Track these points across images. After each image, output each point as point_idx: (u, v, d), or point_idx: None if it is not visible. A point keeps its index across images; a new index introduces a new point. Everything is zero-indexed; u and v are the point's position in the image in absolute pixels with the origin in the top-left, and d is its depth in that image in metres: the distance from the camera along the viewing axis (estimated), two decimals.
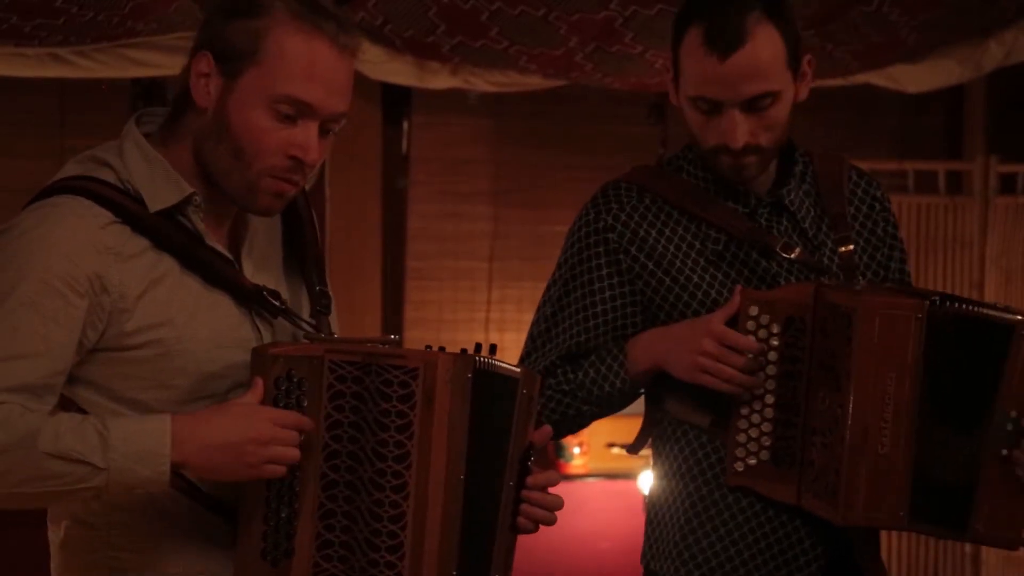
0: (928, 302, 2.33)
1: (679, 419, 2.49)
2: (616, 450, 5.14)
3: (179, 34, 4.34)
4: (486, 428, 2.02)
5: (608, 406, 2.50)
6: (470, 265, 5.41)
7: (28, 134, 4.98)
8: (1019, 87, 5.41)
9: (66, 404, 1.99)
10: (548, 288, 2.57)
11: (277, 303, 2.05)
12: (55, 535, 2.07)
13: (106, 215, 1.96)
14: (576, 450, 5.20)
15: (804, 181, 2.53)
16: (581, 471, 5.15)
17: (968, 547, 4.97)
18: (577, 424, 2.54)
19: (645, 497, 4.84)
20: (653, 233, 2.48)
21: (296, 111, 1.97)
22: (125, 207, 1.97)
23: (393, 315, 5.34)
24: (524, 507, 2.08)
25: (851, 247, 2.49)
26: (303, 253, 2.16)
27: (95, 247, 1.94)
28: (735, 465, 2.42)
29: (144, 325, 1.96)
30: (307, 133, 1.98)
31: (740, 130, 2.36)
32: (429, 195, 5.38)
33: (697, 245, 2.47)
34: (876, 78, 5.02)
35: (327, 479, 1.96)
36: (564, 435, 2.61)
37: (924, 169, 5.31)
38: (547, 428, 2.12)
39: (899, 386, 2.32)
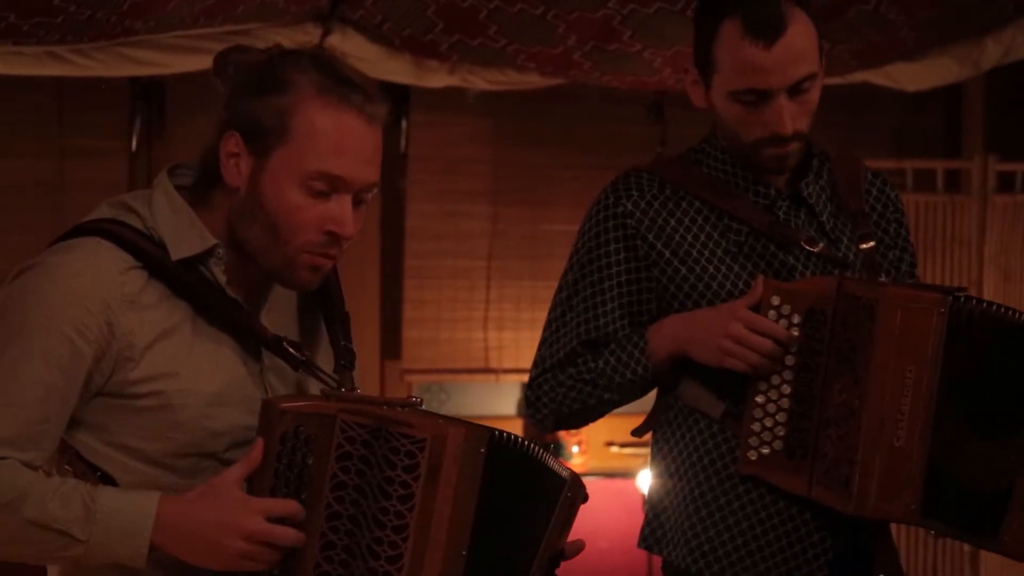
0: (951, 298, 2.33)
1: (691, 407, 2.49)
2: (615, 449, 5.14)
3: (177, 33, 4.34)
4: (506, 506, 1.98)
5: (629, 394, 2.51)
6: (468, 264, 5.41)
7: (26, 133, 4.98)
8: (1017, 85, 5.42)
9: (63, 446, 1.98)
10: (564, 273, 2.57)
11: (298, 354, 2.03)
12: (51, 571, 2.06)
13: (127, 259, 1.95)
14: (575, 449, 5.20)
15: (821, 176, 2.54)
16: (580, 470, 5.15)
17: (967, 546, 4.97)
18: (597, 412, 2.55)
19: (645, 495, 4.85)
20: (672, 222, 2.49)
21: (329, 186, 1.96)
22: (146, 252, 1.96)
23: (392, 314, 5.34)
24: None
25: (872, 243, 2.50)
26: (328, 309, 2.14)
27: (111, 294, 1.93)
28: (748, 454, 2.43)
29: (148, 376, 1.95)
30: (342, 207, 1.98)
31: (788, 116, 2.38)
32: (427, 194, 5.37)
33: (716, 236, 2.48)
34: (874, 77, 5.02)
35: (326, 539, 1.93)
36: (583, 424, 2.61)
37: (922, 167, 5.31)
38: (581, 543, 2.10)
39: (918, 379, 2.32)
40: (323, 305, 2.14)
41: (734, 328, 2.36)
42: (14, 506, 1.87)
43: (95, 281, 1.93)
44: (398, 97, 5.23)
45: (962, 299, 2.35)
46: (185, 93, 4.96)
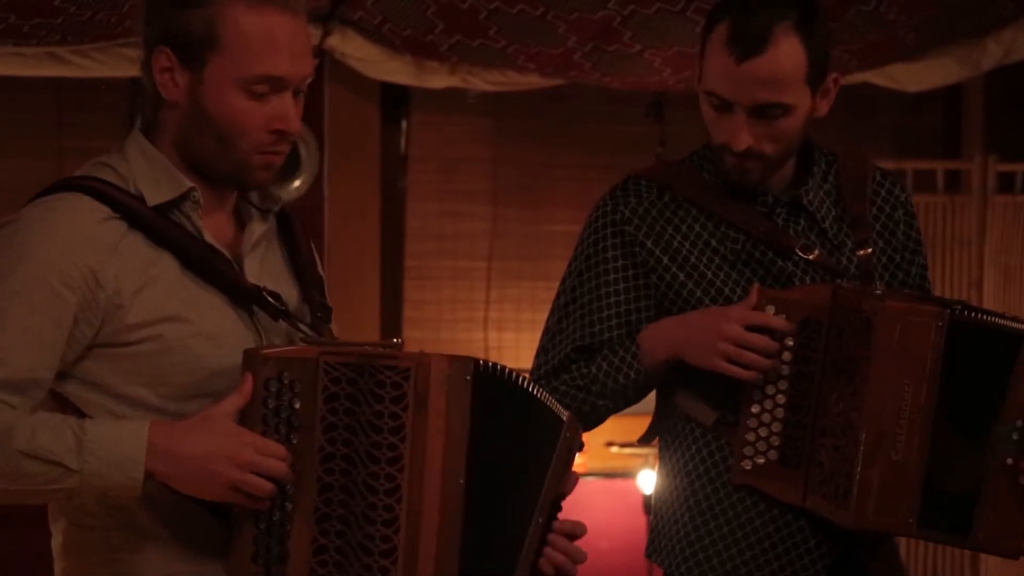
0: (949, 311, 2.33)
1: (686, 415, 2.48)
2: (615, 449, 5.13)
3: None
4: (501, 436, 1.99)
5: (623, 400, 2.49)
6: (469, 264, 5.41)
7: (25, 133, 4.98)
8: (1018, 86, 5.41)
9: (62, 403, 1.99)
10: (563, 280, 2.56)
11: (277, 304, 2.05)
12: (55, 539, 2.06)
13: (104, 210, 1.97)
14: None
15: (826, 181, 2.52)
16: (580, 470, 5.12)
17: None
18: (593, 420, 2.53)
19: (646, 496, 4.84)
20: (670, 229, 2.48)
21: (270, 88, 1.99)
22: (122, 202, 1.98)
23: (392, 314, 5.34)
24: (547, 550, 2.06)
25: (869, 250, 2.47)
26: (301, 271, 2.16)
27: (90, 242, 1.95)
28: (742, 463, 2.41)
29: (143, 321, 1.96)
30: (285, 104, 2.00)
31: (744, 134, 2.36)
32: (428, 194, 5.37)
33: (714, 243, 2.47)
34: (875, 77, 5.02)
35: (323, 482, 1.94)
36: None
37: (922, 168, 5.31)
38: (577, 477, 2.10)
39: (916, 393, 2.31)
40: (295, 265, 2.16)
41: (729, 328, 2.35)
42: (3, 440, 1.87)
43: (75, 231, 1.94)
44: (398, 98, 5.23)
45: (959, 311, 2.34)
46: None
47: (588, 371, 2.48)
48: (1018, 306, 5.05)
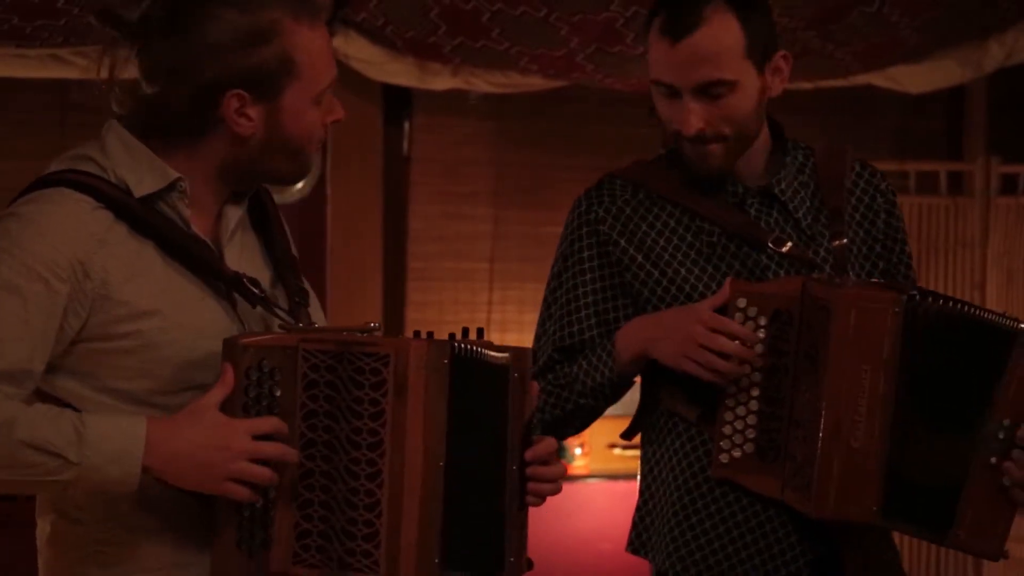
0: (905, 297, 2.33)
1: (670, 410, 2.49)
2: (618, 451, 5.14)
3: None
4: (475, 414, 2.01)
5: (602, 398, 2.51)
6: (471, 266, 5.41)
7: (28, 134, 4.98)
8: (1020, 87, 5.41)
9: (46, 397, 1.99)
10: (547, 282, 2.59)
11: (256, 291, 2.06)
12: (41, 531, 2.07)
13: (90, 202, 1.98)
14: (577, 451, 5.20)
15: (802, 173, 2.53)
16: (582, 472, 5.14)
17: None
18: (579, 419, 2.55)
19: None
20: (644, 226, 2.50)
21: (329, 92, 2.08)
22: (108, 193, 1.99)
23: (394, 316, 5.34)
24: (530, 484, 2.09)
25: (844, 240, 2.48)
26: (276, 254, 2.18)
27: (79, 233, 1.95)
28: (720, 457, 2.42)
29: (129, 315, 1.97)
30: (331, 99, 2.10)
31: (692, 117, 2.39)
32: (430, 196, 5.37)
33: (689, 238, 2.48)
34: (877, 79, 5.02)
35: (304, 468, 1.96)
36: (568, 433, 2.61)
37: (925, 170, 5.31)
38: (535, 386, 2.11)
39: (874, 380, 2.32)
40: (269, 246, 2.18)
41: (695, 330, 2.36)
42: (5, 429, 1.87)
43: (63, 223, 1.95)
44: (401, 99, 5.23)
45: (917, 297, 2.34)
46: None
47: (569, 371, 2.51)
48: (1021, 308, 5.05)
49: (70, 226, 1.95)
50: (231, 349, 1.96)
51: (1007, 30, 4.92)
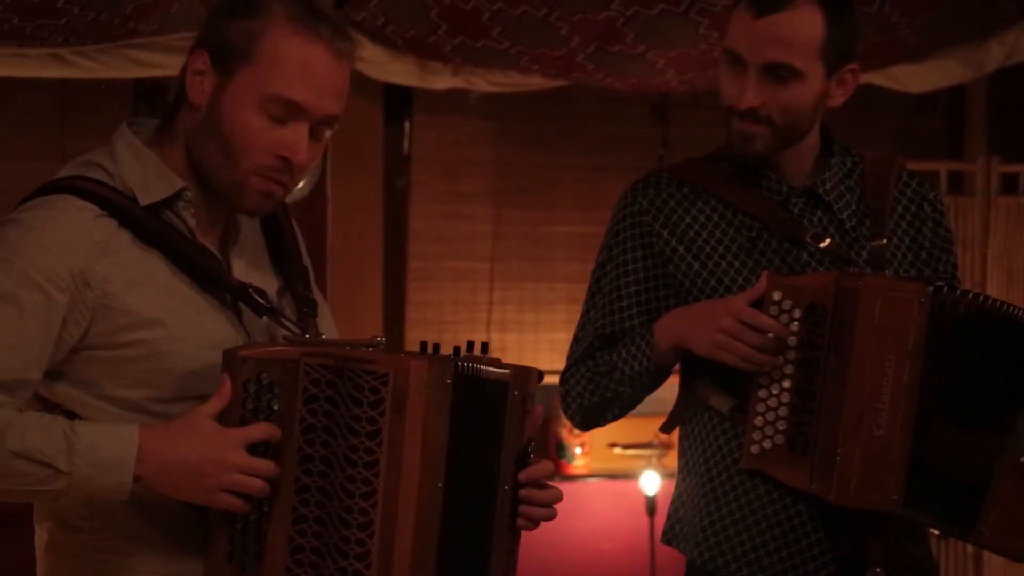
0: (932, 288, 2.33)
1: (705, 403, 2.52)
2: (618, 450, 5.14)
3: (181, 34, 4.34)
4: (473, 434, 1.99)
5: (640, 386, 2.55)
6: (471, 266, 5.41)
7: (28, 134, 4.98)
8: (1021, 87, 5.41)
9: (46, 404, 1.99)
10: (592, 272, 2.64)
11: (263, 301, 2.05)
12: (40, 538, 2.07)
13: (94, 209, 1.97)
14: (578, 450, 5.20)
15: (849, 178, 2.57)
16: (583, 471, 5.14)
17: (971, 546, 4.97)
18: (617, 406, 2.59)
19: (648, 498, 4.84)
20: (687, 219, 2.54)
21: (287, 112, 1.98)
22: (113, 201, 1.98)
23: (394, 316, 5.34)
24: (522, 507, 2.06)
25: (883, 241, 2.51)
26: (286, 263, 2.16)
27: (80, 242, 1.95)
28: (751, 448, 2.44)
29: (132, 324, 1.96)
30: (297, 133, 1.99)
31: (750, 92, 2.42)
32: (430, 195, 5.37)
33: (731, 232, 2.52)
34: (877, 78, 5.02)
35: (300, 483, 1.95)
36: (607, 420, 2.64)
37: (926, 169, 5.29)
38: (539, 409, 2.08)
39: (898, 369, 2.33)
40: (281, 258, 2.16)
41: (725, 321, 2.39)
42: None
43: (64, 232, 1.94)
44: (401, 99, 5.23)
45: (944, 289, 2.34)
46: None
47: (609, 359, 2.56)
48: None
49: (71, 234, 1.94)
50: (231, 361, 1.94)
51: (1007, 30, 4.92)
